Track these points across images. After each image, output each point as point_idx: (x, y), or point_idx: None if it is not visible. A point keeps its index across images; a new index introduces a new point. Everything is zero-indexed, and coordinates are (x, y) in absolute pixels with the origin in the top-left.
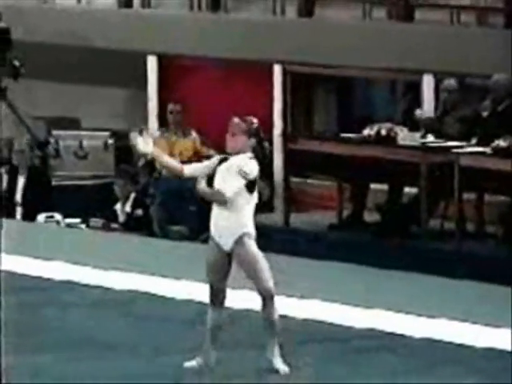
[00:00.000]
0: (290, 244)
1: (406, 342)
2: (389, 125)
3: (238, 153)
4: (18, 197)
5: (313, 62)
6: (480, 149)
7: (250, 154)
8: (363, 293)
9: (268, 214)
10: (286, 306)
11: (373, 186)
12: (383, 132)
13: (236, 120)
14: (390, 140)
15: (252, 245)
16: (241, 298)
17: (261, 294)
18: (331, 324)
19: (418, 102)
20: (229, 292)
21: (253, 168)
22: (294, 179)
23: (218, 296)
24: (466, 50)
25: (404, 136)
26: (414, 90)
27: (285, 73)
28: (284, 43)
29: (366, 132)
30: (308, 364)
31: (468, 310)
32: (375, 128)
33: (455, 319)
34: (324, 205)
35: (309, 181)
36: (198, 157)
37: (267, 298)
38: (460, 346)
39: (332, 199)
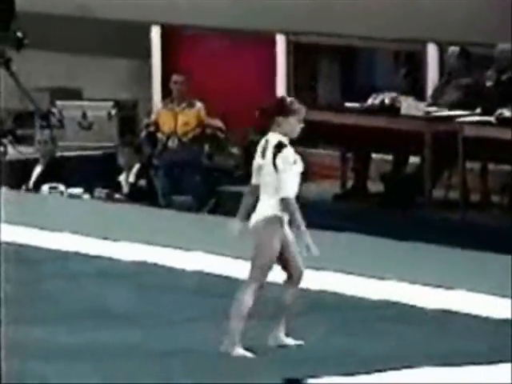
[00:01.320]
0: None
1: (413, 311)
2: (393, 94)
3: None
4: (31, 183)
5: (316, 32)
6: (484, 118)
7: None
8: (368, 262)
9: None
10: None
11: (377, 155)
12: (387, 101)
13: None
14: (393, 109)
15: None
16: None
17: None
18: (336, 294)
19: (419, 71)
20: None
21: None
22: (298, 149)
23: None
24: (469, 19)
25: (408, 105)
26: (416, 59)
27: (288, 43)
28: (287, 13)
29: (369, 101)
30: (317, 334)
31: (473, 280)
32: (379, 97)
33: (461, 288)
34: (328, 175)
35: (313, 151)
36: (202, 127)
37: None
38: (468, 315)
39: (336, 169)
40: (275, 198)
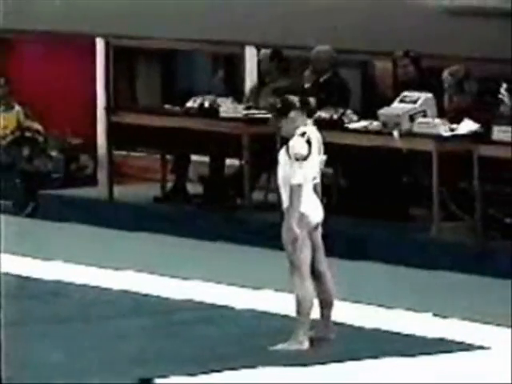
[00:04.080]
0: (114, 218)
1: (226, 313)
2: (212, 97)
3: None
4: None
5: (134, 35)
6: None
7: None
8: (185, 265)
9: (92, 188)
10: (100, 277)
11: (198, 157)
12: (206, 104)
13: None
14: (212, 112)
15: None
16: None
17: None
18: (149, 296)
19: (237, 73)
20: None
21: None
22: (118, 152)
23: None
24: (285, 22)
25: (227, 108)
26: (235, 61)
27: (107, 46)
28: (106, 16)
29: (189, 104)
30: (135, 337)
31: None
32: (198, 100)
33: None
34: (148, 177)
35: (132, 154)
36: (21, 130)
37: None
38: (277, 315)
39: (156, 172)
40: None
